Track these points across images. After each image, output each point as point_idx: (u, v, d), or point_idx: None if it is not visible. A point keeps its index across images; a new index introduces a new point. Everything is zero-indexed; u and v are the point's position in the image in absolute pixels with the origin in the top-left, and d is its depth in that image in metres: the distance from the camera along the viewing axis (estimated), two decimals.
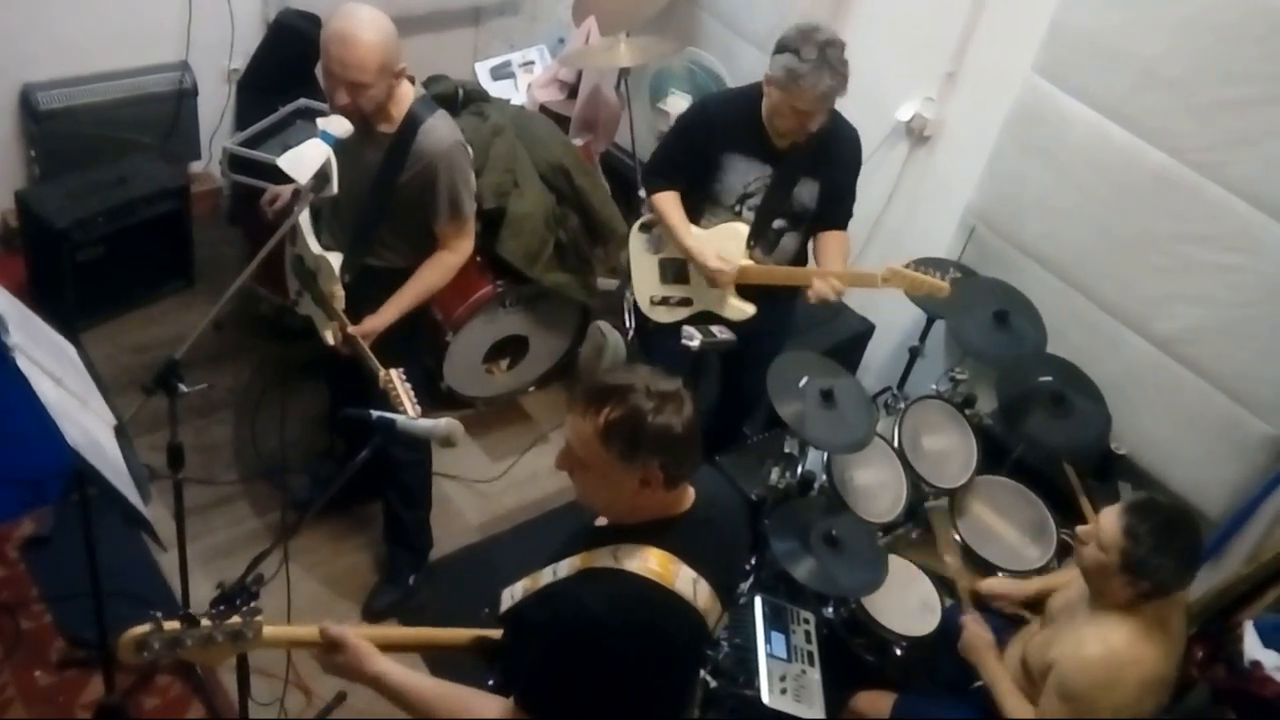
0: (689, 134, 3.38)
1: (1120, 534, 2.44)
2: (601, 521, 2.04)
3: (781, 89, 3.08)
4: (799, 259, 3.47)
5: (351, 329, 2.94)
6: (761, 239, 3.36)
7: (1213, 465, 3.37)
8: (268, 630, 1.90)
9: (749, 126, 3.23)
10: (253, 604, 1.89)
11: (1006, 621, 3.02)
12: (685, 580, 1.91)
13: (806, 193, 3.31)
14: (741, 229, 3.33)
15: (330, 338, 3.05)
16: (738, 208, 3.34)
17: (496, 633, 2.10)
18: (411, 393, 2.75)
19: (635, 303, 3.67)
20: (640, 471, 1.86)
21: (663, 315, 3.58)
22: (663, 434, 1.83)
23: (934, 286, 3.16)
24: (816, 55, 3.00)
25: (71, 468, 2.39)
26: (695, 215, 3.40)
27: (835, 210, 3.39)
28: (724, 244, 3.34)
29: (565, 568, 1.98)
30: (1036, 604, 2.98)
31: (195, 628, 1.81)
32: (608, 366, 4.34)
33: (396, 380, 2.76)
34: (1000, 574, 3.30)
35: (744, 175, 3.30)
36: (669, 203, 3.39)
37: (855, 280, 3.35)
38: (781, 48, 3.07)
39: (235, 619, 1.84)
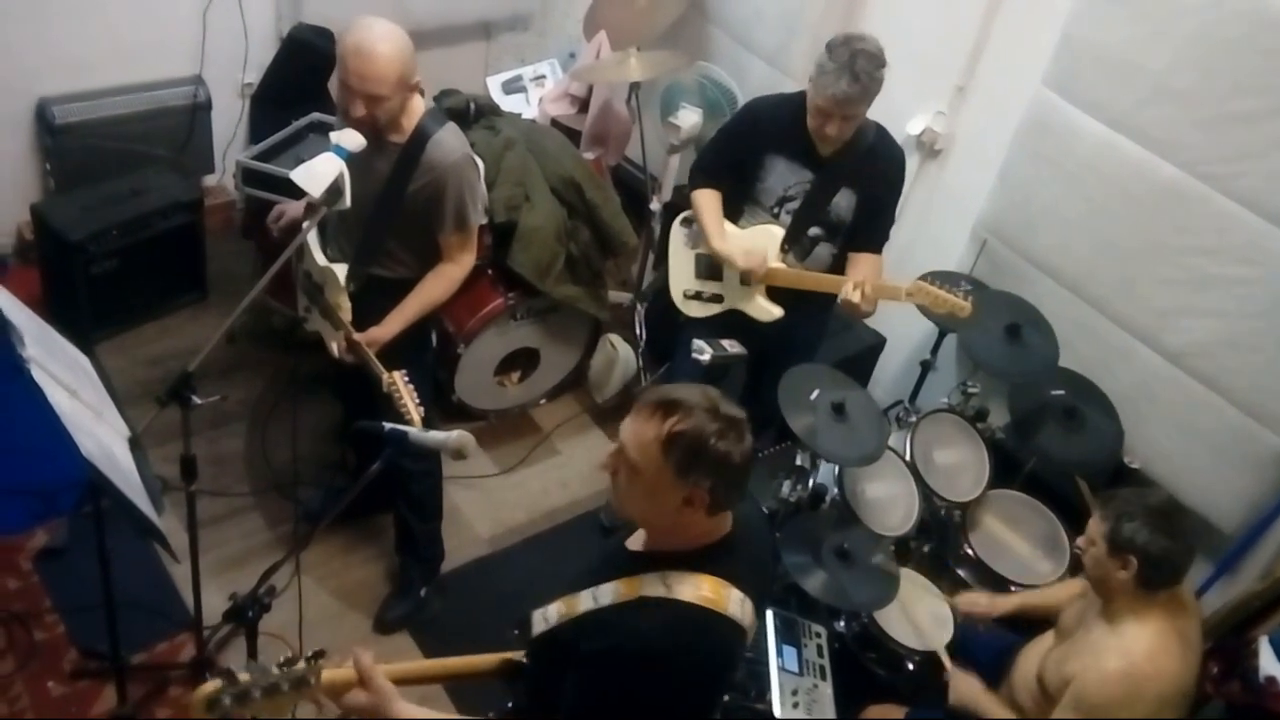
0: (735, 134, 3.45)
1: (1098, 519, 2.52)
2: (635, 545, 2.02)
3: (811, 83, 3.14)
4: (833, 272, 3.44)
5: (356, 336, 2.96)
6: (796, 245, 3.38)
7: (1226, 479, 3.36)
8: (325, 674, 1.86)
9: (794, 131, 3.26)
10: (317, 649, 1.86)
11: (1015, 636, 3.01)
12: (735, 603, 1.91)
13: (844, 203, 3.32)
14: (777, 231, 3.36)
15: (335, 349, 3.06)
16: (776, 210, 3.37)
17: (520, 654, 2.09)
18: (415, 394, 2.76)
19: (671, 301, 3.68)
20: (688, 489, 1.83)
21: (695, 310, 3.62)
22: (722, 459, 1.82)
23: (956, 305, 3.17)
24: (845, 59, 3.04)
25: (85, 479, 2.41)
26: (735, 214, 3.44)
27: (871, 229, 3.38)
28: (757, 244, 3.37)
29: (608, 594, 1.95)
30: (1022, 620, 2.98)
31: (267, 677, 1.78)
32: (619, 379, 4.35)
33: (399, 382, 2.78)
34: (1012, 587, 3.29)
35: (785, 178, 3.33)
36: (708, 201, 3.44)
37: (880, 291, 3.34)
38: (826, 46, 3.12)
39: (300, 665, 1.81)
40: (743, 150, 3.39)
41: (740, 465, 1.85)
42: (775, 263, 3.36)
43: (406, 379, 2.80)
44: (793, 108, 3.26)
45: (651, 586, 1.90)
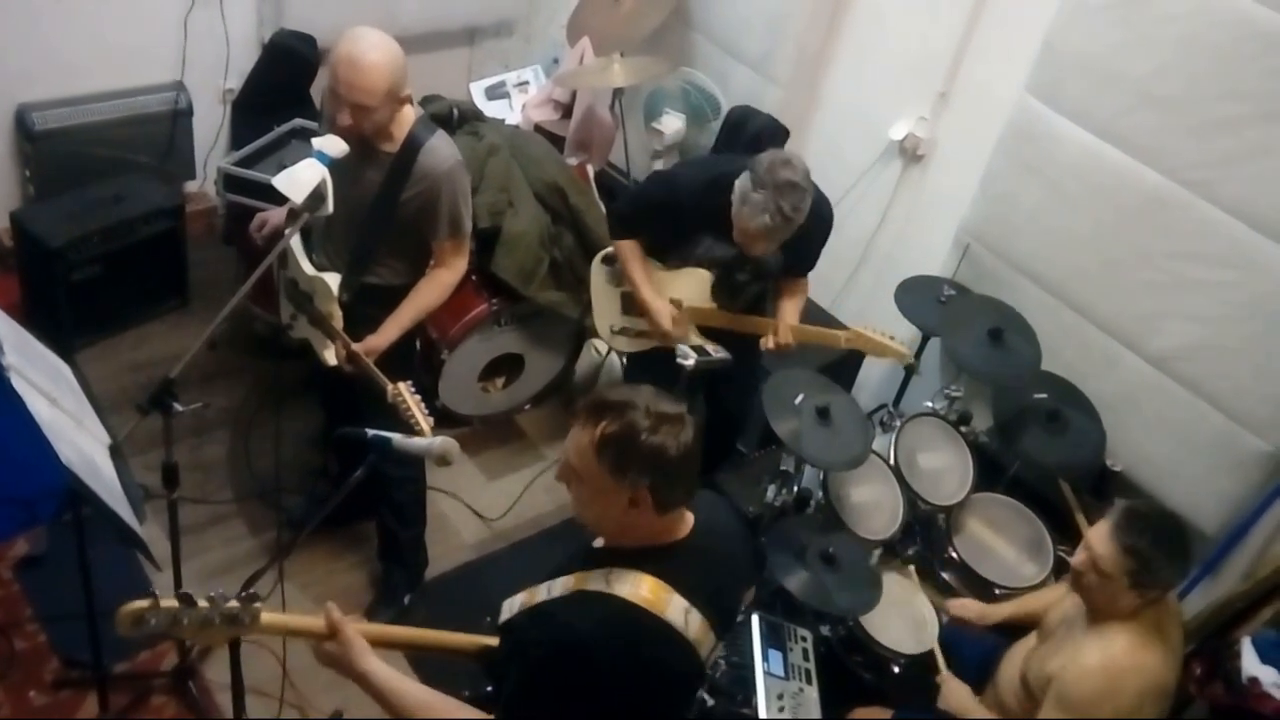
0: (658, 208, 3.38)
1: (1120, 555, 2.44)
2: (599, 542, 2.03)
3: (735, 203, 3.11)
4: (760, 301, 3.51)
5: (355, 347, 2.95)
6: (724, 289, 3.41)
7: (1209, 482, 3.37)
8: (265, 617, 1.89)
9: (715, 213, 3.20)
10: (252, 590, 1.91)
11: (1000, 637, 3.02)
12: (677, 609, 1.90)
13: (772, 261, 3.34)
14: (706, 275, 3.38)
15: (331, 358, 3.04)
16: (705, 264, 3.39)
17: (492, 640, 2.09)
18: (422, 404, 2.76)
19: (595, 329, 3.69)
20: (630, 490, 1.84)
21: (623, 344, 3.64)
22: (655, 454, 1.82)
23: (895, 354, 3.24)
24: (769, 193, 3.00)
25: (66, 487, 2.39)
26: (663, 258, 3.45)
27: (799, 264, 3.42)
28: (688, 286, 3.39)
29: (559, 586, 1.97)
30: (1011, 627, 2.99)
31: (193, 608, 1.81)
32: (603, 385, 4.34)
33: (406, 393, 2.77)
34: (997, 590, 3.30)
35: (710, 249, 3.35)
36: (631, 252, 3.43)
37: (817, 337, 3.37)
38: (751, 168, 3.06)
39: (233, 603, 1.85)
40: (667, 222, 3.36)
41: (678, 458, 1.84)
42: (708, 304, 3.39)
43: (413, 389, 2.79)
44: (715, 191, 3.19)
45: (594, 581, 1.91)
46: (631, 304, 3.55)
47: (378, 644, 2.00)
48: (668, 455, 1.83)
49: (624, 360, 4.27)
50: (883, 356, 3.29)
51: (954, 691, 2.87)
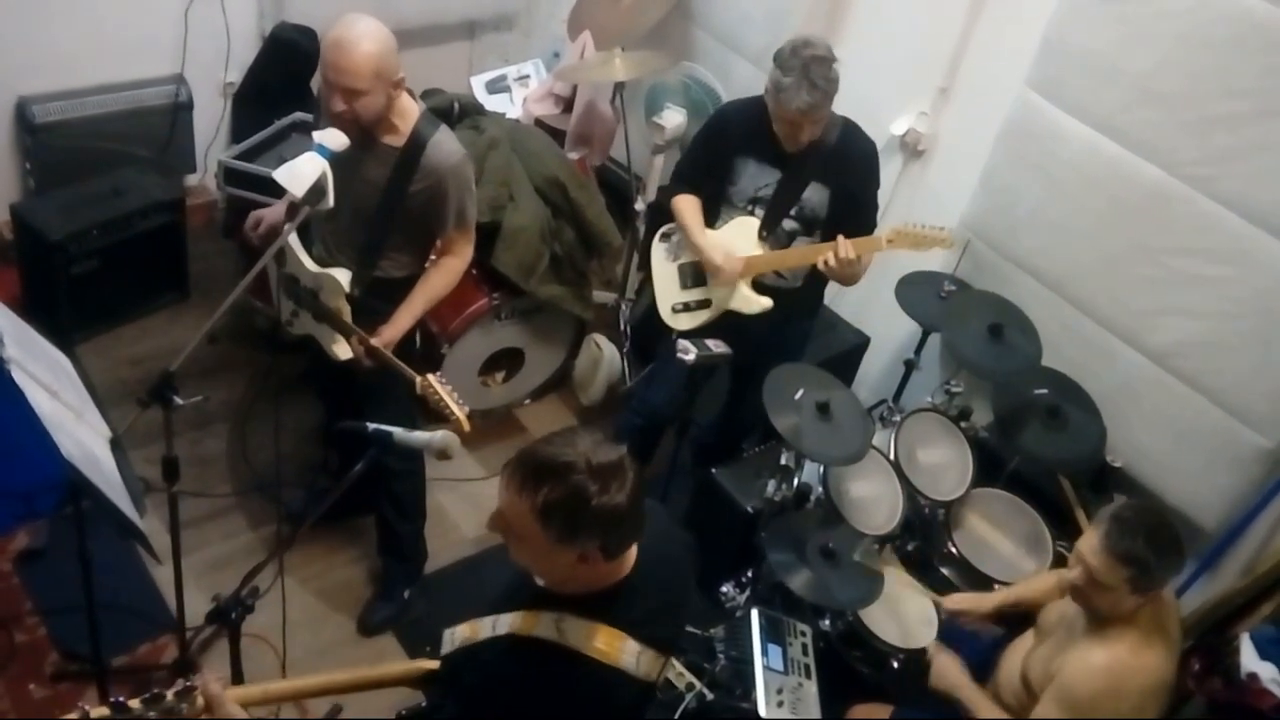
0: (707, 139, 3.50)
1: (1117, 564, 2.41)
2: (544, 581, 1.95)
3: (770, 98, 3.19)
4: (813, 268, 3.46)
5: (375, 341, 2.94)
6: (772, 237, 3.42)
7: (1208, 478, 3.37)
8: (201, 704, 1.82)
9: (760, 131, 3.30)
10: (189, 680, 1.82)
11: (1000, 629, 3.02)
12: (630, 654, 1.86)
13: (816, 198, 3.35)
14: (753, 222, 3.41)
15: (343, 352, 3.02)
16: (750, 208, 3.42)
17: (434, 664, 2.07)
18: (454, 394, 2.76)
19: (657, 311, 3.69)
20: (578, 550, 1.75)
21: (684, 322, 3.62)
22: (606, 515, 1.72)
23: (937, 240, 3.27)
24: (798, 71, 3.08)
25: (66, 480, 2.39)
26: (711, 218, 3.49)
27: (856, 221, 3.37)
28: (736, 239, 3.42)
29: (505, 624, 1.90)
30: (1005, 617, 2.98)
31: (126, 714, 1.73)
32: (603, 380, 4.34)
33: (436, 383, 2.78)
34: (996, 586, 3.30)
35: (755, 179, 3.37)
36: (687, 204, 3.50)
37: (861, 246, 3.34)
38: (775, 59, 3.17)
39: (170, 698, 1.75)
40: (715, 154, 3.44)
41: (628, 509, 1.75)
42: (756, 250, 3.41)
43: (443, 379, 2.79)
44: (758, 109, 3.30)
45: (546, 628, 1.84)
46: (689, 275, 3.59)
47: (303, 696, 1.93)
48: (619, 511, 1.73)
49: (629, 353, 4.29)
50: (925, 248, 3.32)
51: (943, 667, 2.82)
